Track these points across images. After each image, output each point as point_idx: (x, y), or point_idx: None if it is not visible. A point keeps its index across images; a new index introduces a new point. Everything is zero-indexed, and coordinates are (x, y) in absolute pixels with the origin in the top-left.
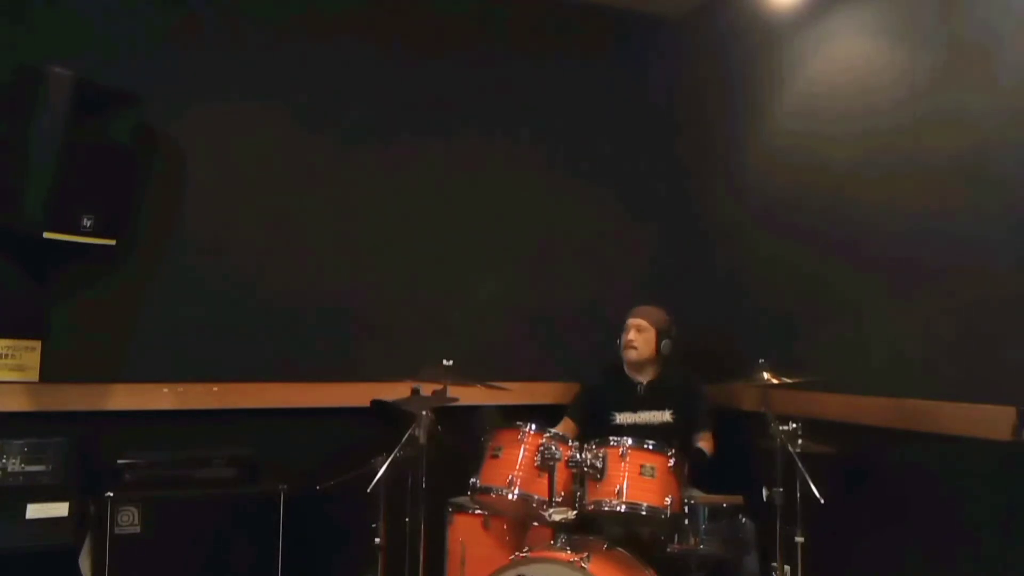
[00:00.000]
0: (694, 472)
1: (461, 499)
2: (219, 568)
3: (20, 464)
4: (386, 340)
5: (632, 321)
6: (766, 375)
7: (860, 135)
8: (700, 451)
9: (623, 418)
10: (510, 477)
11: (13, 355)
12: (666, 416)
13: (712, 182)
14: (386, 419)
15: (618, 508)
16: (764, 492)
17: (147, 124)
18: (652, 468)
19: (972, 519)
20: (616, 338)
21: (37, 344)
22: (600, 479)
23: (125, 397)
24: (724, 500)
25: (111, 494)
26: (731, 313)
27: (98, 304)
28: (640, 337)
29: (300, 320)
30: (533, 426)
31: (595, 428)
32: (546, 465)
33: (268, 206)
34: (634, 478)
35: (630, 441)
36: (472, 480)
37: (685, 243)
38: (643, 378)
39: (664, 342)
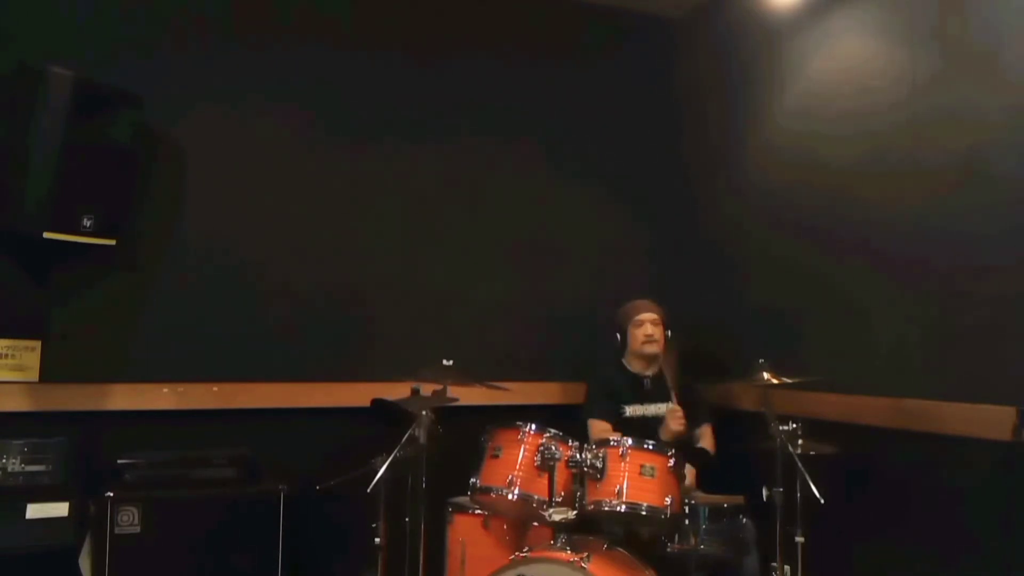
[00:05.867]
0: (701, 472)
1: (461, 499)
2: (219, 568)
3: (20, 464)
4: (386, 340)
5: (647, 316)
6: (766, 375)
7: (860, 135)
8: (704, 451)
9: (632, 410)
10: (510, 477)
11: (13, 355)
12: (671, 407)
13: (712, 182)
14: (386, 419)
15: (618, 508)
16: (764, 492)
17: (147, 124)
18: (652, 468)
19: (972, 519)
20: (615, 335)
21: (37, 344)
22: (600, 479)
23: (125, 397)
24: (724, 500)
25: (111, 494)
26: (731, 313)
27: (98, 304)
28: (657, 331)
29: (300, 320)
30: (533, 426)
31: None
32: (546, 465)
33: (268, 206)
34: (634, 478)
35: (630, 441)
36: (472, 480)
37: (685, 243)
38: (649, 371)
39: (668, 333)
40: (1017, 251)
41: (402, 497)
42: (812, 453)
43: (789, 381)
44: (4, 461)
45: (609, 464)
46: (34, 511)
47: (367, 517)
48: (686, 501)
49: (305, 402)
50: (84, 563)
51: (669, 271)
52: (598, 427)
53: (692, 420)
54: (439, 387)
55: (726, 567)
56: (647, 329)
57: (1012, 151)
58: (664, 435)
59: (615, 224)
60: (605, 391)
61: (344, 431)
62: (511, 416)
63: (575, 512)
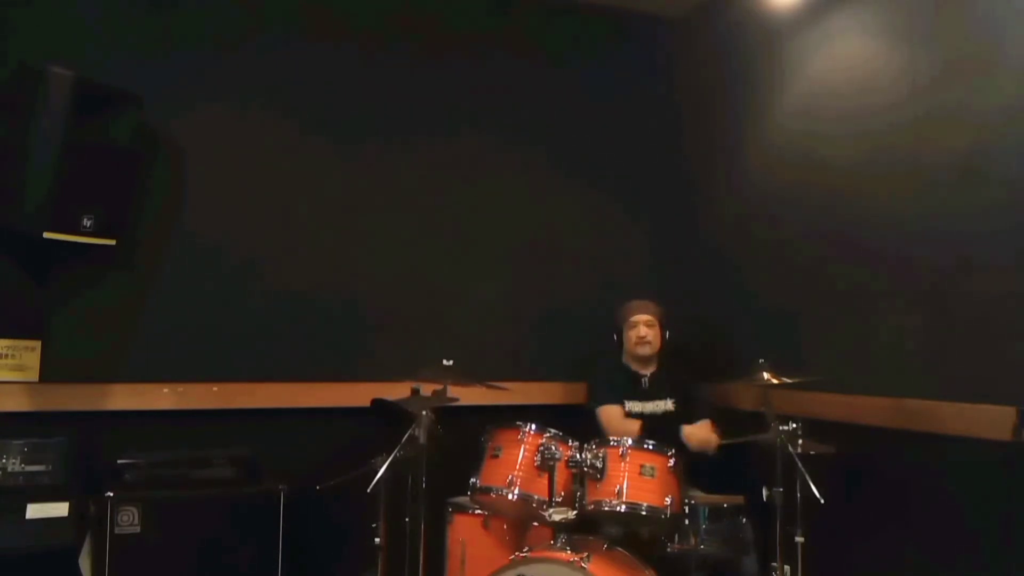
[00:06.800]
0: (704, 462)
1: (461, 499)
2: (219, 568)
3: (20, 464)
4: (386, 340)
5: (641, 317)
6: (766, 375)
7: (860, 134)
8: None
9: (631, 406)
10: (510, 477)
11: (13, 355)
12: (669, 405)
13: (712, 182)
14: (386, 419)
15: (618, 508)
16: (764, 492)
17: (147, 124)
18: (652, 468)
19: (972, 519)
20: (613, 335)
21: (37, 344)
22: (600, 479)
23: (125, 397)
24: (724, 500)
25: (111, 494)
26: (731, 312)
27: (98, 304)
28: (651, 332)
29: (300, 320)
30: (533, 426)
31: None
32: (546, 465)
33: (268, 206)
34: (634, 478)
35: (630, 441)
36: (472, 480)
37: (685, 243)
38: (647, 371)
39: (666, 333)
40: (1017, 251)
41: (402, 497)
42: (812, 453)
43: (789, 381)
44: (4, 461)
45: (609, 464)
46: (34, 511)
47: (367, 517)
48: (686, 501)
49: (305, 402)
50: (84, 563)
51: (669, 271)
52: (610, 412)
53: (693, 416)
54: (439, 387)
55: (726, 567)
56: (640, 331)
57: (1012, 151)
58: (690, 442)
59: (615, 224)
60: (608, 382)
61: (344, 431)
62: (511, 416)
63: (575, 512)
